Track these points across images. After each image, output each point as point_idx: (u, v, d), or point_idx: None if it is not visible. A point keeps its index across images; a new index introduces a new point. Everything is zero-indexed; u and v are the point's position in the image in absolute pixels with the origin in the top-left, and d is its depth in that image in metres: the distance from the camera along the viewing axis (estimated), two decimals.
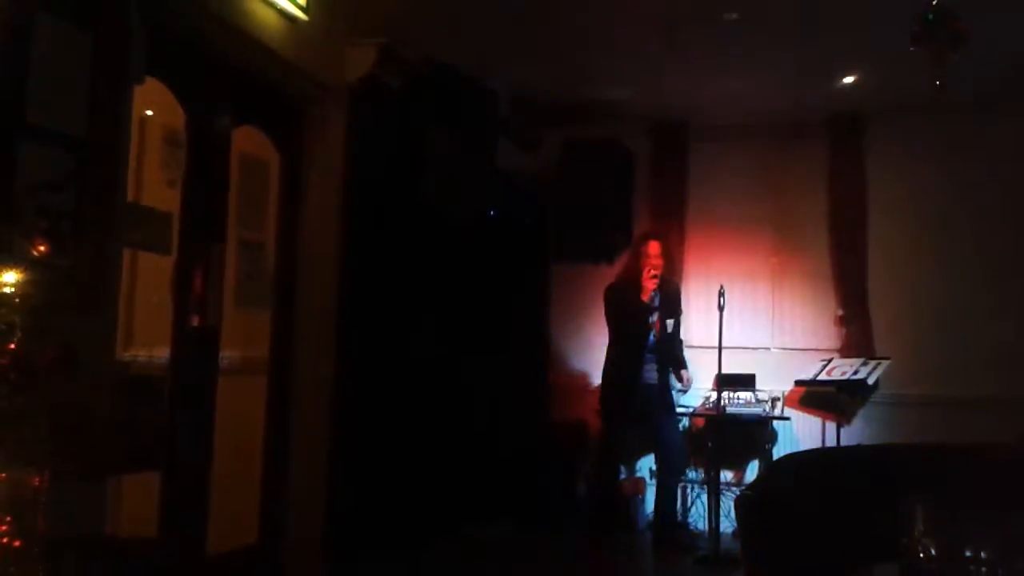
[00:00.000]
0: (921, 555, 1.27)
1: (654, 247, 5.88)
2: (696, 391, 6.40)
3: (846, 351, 6.58)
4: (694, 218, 7.06)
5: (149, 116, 4.25)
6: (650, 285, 5.81)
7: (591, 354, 6.97)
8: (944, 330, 6.45)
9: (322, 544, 4.46)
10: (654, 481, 6.16)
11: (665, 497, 5.93)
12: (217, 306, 4.03)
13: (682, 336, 6.23)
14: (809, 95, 6.46)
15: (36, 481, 1.96)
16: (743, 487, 5.52)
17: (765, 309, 6.87)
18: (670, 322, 5.95)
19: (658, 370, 5.93)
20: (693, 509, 6.52)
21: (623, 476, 6.52)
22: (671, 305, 6.00)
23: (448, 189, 5.28)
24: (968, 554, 1.24)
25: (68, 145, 2.87)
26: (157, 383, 3.86)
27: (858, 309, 6.65)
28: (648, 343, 5.89)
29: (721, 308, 5.63)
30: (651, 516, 6.18)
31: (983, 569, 1.23)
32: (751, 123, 6.96)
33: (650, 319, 5.88)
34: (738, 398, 6.29)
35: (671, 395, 6.04)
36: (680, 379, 6.01)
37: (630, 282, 5.95)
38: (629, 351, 5.89)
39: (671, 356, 6.03)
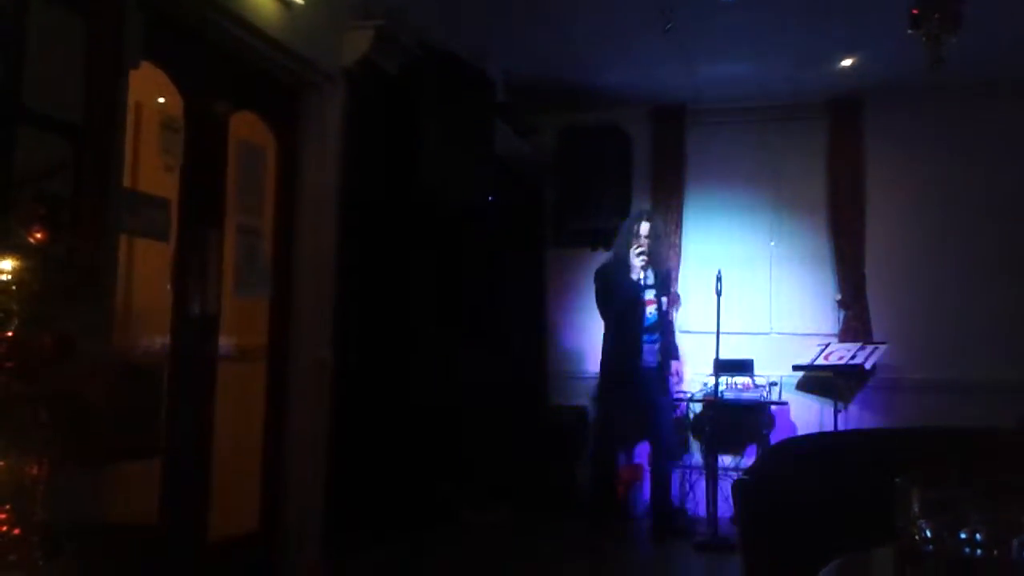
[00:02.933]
0: (916, 537, 1.27)
1: (644, 227, 5.89)
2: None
3: (844, 335, 6.60)
4: (692, 202, 7.06)
5: (146, 101, 4.23)
6: (637, 263, 5.83)
7: (589, 340, 6.98)
8: (942, 314, 6.46)
9: (322, 529, 4.47)
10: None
11: (660, 481, 5.95)
12: (216, 293, 4.03)
13: (679, 321, 6.23)
14: (807, 78, 6.45)
15: (35, 469, 1.96)
16: (741, 472, 5.54)
17: (763, 294, 6.88)
18: (664, 300, 5.96)
19: (659, 352, 5.93)
20: (691, 494, 6.54)
21: (622, 463, 6.54)
22: (663, 284, 6.00)
23: (445, 174, 5.27)
24: (963, 536, 1.24)
25: (64, 131, 2.86)
26: (156, 370, 3.86)
27: (856, 293, 6.66)
28: (645, 323, 5.89)
29: (719, 293, 5.63)
30: (649, 502, 6.20)
31: (978, 551, 1.23)
32: (749, 106, 6.96)
33: (643, 296, 5.87)
34: (736, 383, 6.31)
35: (669, 379, 6.05)
36: (676, 373, 6.01)
37: (619, 262, 5.96)
38: (624, 332, 5.88)
39: (665, 345, 6.02)
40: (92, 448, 2.42)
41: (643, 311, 5.87)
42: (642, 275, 5.86)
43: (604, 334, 6.04)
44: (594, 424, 6.56)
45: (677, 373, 6.01)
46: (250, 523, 4.42)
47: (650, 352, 5.90)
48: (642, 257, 5.82)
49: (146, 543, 3.66)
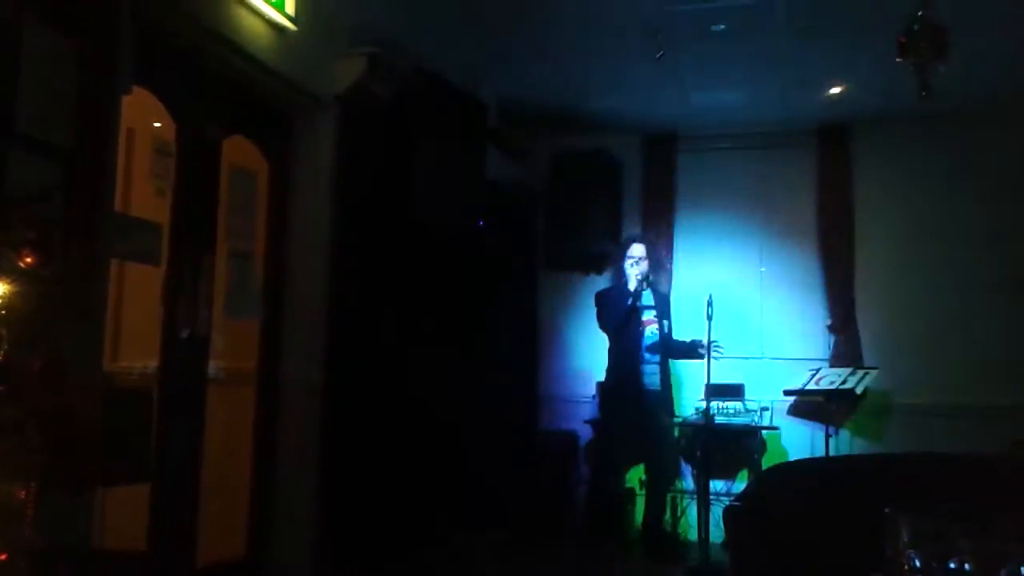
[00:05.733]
0: (905, 567, 1.28)
1: (637, 248, 5.98)
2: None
3: (834, 360, 6.61)
4: (682, 228, 7.09)
5: (139, 126, 4.24)
6: (633, 275, 5.91)
7: (581, 363, 6.99)
8: (932, 339, 6.48)
9: (312, 554, 4.44)
10: (643, 491, 6.18)
11: (656, 504, 5.94)
12: (206, 316, 4.02)
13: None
14: (797, 105, 6.51)
15: (23, 493, 1.95)
16: (732, 497, 5.52)
17: (754, 319, 6.89)
18: (665, 323, 6.01)
19: (660, 374, 5.95)
20: (683, 519, 6.52)
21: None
22: (662, 306, 6.06)
23: (437, 199, 5.28)
24: (952, 565, 1.25)
25: (56, 155, 2.86)
26: (146, 394, 3.84)
27: (846, 318, 6.68)
28: (645, 342, 5.92)
29: (709, 317, 5.64)
30: (640, 526, 6.18)
31: None
32: (739, 133, 7.00)
33: (643, 316, 5.92)
34: (727, 408, 6.30)
35: (671, 403, 6.08)
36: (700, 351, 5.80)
37: (618, 283, 6.13)
38: (624, 352, 5.91)
39: (673, 351, 6.07)
40: (81, 472, 2.40)
41: (642, 330, 5.91)
42: (636, 283, 5.90)
43: (608, 357, 6.06)
44: (594, 448, 6.54)
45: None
46: (239, 548, 4.39)
47: (652, 374, 5.92)
48: (639, 272, 5.89)
49: (134, 568, 3.63)
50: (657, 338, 5.96)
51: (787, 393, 6.42)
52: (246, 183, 4.55)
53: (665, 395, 5.98)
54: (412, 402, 5.25)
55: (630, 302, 5.90)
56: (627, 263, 6.00)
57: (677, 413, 6.29)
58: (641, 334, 5.93)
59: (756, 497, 2.59)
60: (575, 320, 7.06)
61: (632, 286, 5.93)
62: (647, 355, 5.92)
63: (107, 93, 3.11)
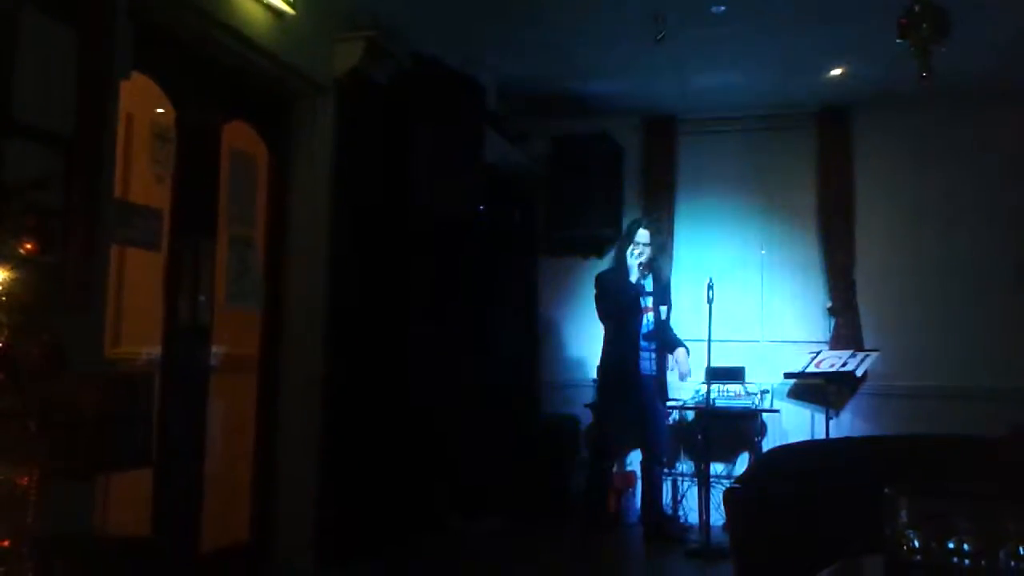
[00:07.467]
0: (904, 547, 1.28)
1: (642, 235, 5.93)
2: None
3: (835, 343, 6.61)
4: (683, 211, 7.07)
5: (137, 112, 4.23)
6: (635, 266, 5.87)
7: (581, 349, 7.00)
8: (932, 321, 6.48)
9: (314, 539, 4.46)
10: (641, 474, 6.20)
11: (651, 487, 5.95)
12: (208, 303, 4.03)
13: (672, 328, 6.26)
14: (797, 87, 6.48)
15: (25, 480, 1.96)
16: (733, 480, 5.55)
17: (754, 301, 6.89)
18: (663, 309, 5.99)
19: (655, 360, 5.95)
20: (684, 502, 6.54)
21: (615, 470, 6.54)
22: (662, 293, 6.03)
23: (437, 183, 5.28)
24: (951, 545, 1.25)
25: (55, 142, 2.86)
26: (147, 380, 3.84)
27: (846, 301, 6.67)
28: (643, 329, 5.91)
29: (710, 301, 5.65)
30: (640, 508, 6.20)
31: (966, 561, 1.24)
32: (739, 116, 6.98)
33: (642, 303, 5.90)
34: (727, 391, 6.31)
35: (667, 386, 6.08)
36: (677, 361, 5.96)
37: (619, 266, 6.03)
38: (623, 338, 5.90)
39: (666, 342, 6.04)
40: (83, 459, 2.41)
41: (641, 317, 5.90)
42: (639, 276, 5.88)
43: (603, 342, 6.04)
44: (590, 432, 6.56)
45: (683, 364, 5.96)
46: (242, 533, 4.41)
47: (647, 360, 5.92)
48: (640, 261, 5.86)
49: (138, 554, 3.64)
50: (653, 327, 5.94)
51: (788, 376, 6.44)
52: (246, 168, 4.54)
53: (661, 379, 5.99)
54: (412, 388, 5.26)
55: (633, 294, 5.86)
56: (630, 249, 5.93)
57: (673, 397, 6.30)
58: (640, 322, 5.92)
59: (756, 479, 2.60)
60: (576, 304, 7.06)
61: (634, 277, 5.88)
62: (643, 343, 5.91)
63: (106, 79, 3.10)
